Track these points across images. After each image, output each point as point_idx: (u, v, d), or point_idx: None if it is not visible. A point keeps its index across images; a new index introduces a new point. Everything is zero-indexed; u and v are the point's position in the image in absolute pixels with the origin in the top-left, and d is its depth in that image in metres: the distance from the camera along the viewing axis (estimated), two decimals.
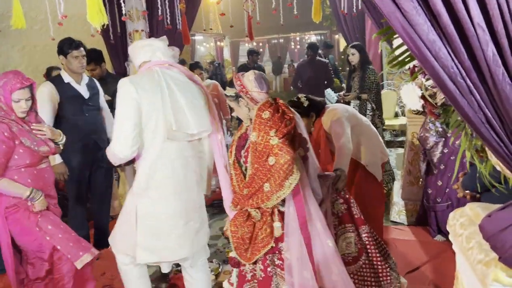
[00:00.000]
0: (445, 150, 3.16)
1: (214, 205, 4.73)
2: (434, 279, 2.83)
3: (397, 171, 4.86)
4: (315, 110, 2.83)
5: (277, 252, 2.05)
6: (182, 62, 5.81)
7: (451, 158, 3.15)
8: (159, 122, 2.02)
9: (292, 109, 2.10)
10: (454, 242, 1.43)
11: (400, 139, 6.71)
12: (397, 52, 1.21)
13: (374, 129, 3.13)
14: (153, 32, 4.34)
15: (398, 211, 3.84)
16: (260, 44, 22.20)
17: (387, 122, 5.96)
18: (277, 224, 1.98)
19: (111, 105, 3.43)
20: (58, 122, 3.17)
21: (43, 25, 5.44)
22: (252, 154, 1.97)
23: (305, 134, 2.17)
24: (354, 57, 4.38)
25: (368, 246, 2.37)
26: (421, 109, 2.94)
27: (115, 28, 3.87)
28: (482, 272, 1.14)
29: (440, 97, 1.39)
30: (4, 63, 4.83)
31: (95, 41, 4.21)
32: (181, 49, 4.53)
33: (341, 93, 4.69)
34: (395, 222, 3.83)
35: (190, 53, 11.34)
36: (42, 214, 2.38)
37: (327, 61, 6.24)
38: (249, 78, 2.02)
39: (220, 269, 3.21)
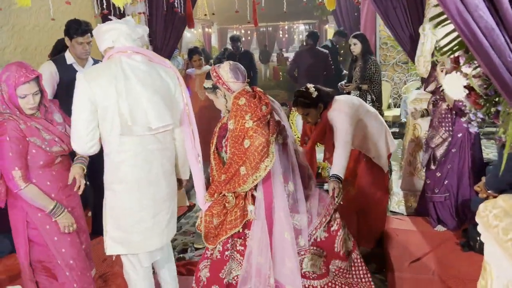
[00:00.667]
0: (452, 149, 3.18)
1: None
2: (437, 269, 2.85)
3: (392, 161, 4.89)
4: (323, 101, 2.78)
5: (242, 237, 2.07)
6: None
7: (452, 150, 3.18)
8: (115, 116, 1.97)
9: (269, 97, 2.13)
10: (487, 233, 1.43)
11: (393, 130, 6.77)
12: (444, 41, 1.18)
13: (381, 119, 3.13)
14: (153, 15, 4.22)
15: (397, 201, 3.88)
16: (248, 32, 22.04)
17: None
18: (250, 207, 2.00)
19: None
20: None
21: (33, 4, 5.24)
22: (229, 140, 2.00)
23: (285, 122, 2.19)
24: (356, 47, 4.35)
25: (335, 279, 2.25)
26: (424, 111, 3.17)
27: (115, 10, 3.74)
28: None
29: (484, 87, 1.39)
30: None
31: (96, 22, 4.07)
32: (180, 34, 4.43)
33: (342, 83, 4.67)
34: (394, 212, 3.86)
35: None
36: (59, 234, 2.18)
37: (326, 51, 6.19)
38: (224, 69, 2.06)
39: None
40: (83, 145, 2.02)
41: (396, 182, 4.11)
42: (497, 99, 1.24)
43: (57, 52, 3.73)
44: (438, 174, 3.27)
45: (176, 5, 3.66)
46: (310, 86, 2.77)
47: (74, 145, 2.07)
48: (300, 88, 2.83)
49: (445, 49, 1.18)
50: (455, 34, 1.14)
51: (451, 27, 1.15)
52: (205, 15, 14.26)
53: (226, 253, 2.08)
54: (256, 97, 2.00)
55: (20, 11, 4.98)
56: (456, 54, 1.27)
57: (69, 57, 3.16)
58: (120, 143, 2.00)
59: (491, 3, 1.04)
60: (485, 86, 1.25)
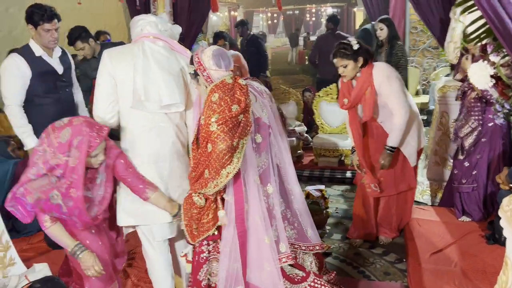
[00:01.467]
0: (482, 139, 3.09)
1: None
2: (460, 261, 2.79)
3: None
4: (363, 55, 2.73)
5: (218, 240, 1.99)
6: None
7: (482, 140, 3.08)
8: (130, 91, 2.08)
9: (256, 89, 2.07)
10: (510, 228, 1.38)
11: (421, 117, 6.59)
12: (471, 28, 1.13)
13: (417, 110, 3.07)
14: None
15: (421, 190, 3.80)
16: (275, 15, 21.78)
17: None
18: (221, 213, 1.92)
19: None
20: (26, 102, 2.81)
21: None
22: (200, 137, 1.90)
23: (268, 119, 2.03)
24: (382, 32, 4.22)
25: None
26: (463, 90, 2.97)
27: None
28: None
29: None
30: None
31: (121, 7, 4.10)
32: (205, 17, 4.41)
33: None
34: (418, 202, 3.79)
35: (205, 22, 11.12)
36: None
37: (347, 35, 6.03)
38: (207, 54, 1.89)
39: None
40: (103, 115, 2.13)
41: (421, 171, 4.02)
42: None
43: (72, 42, 3.60)
44: (467, 164, 3.18)
45: None
46: (352, 38, 2.75)
47: (95, 113, 2.15)
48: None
49: (471, 36, 1.13)
50: (482, 21, 1.08)
51: (479, 13, 1.10)
52: None
53: (202, 255, 2.01)
54: (230, 93, 1.83)
55: None
56: (484, 42, 1.21)
57: (36, 48, 2.81)
58: (135, 117, 2.11)
59: None
60: None
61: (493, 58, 1.19)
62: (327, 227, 3.48)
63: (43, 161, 1.83)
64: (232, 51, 4.90)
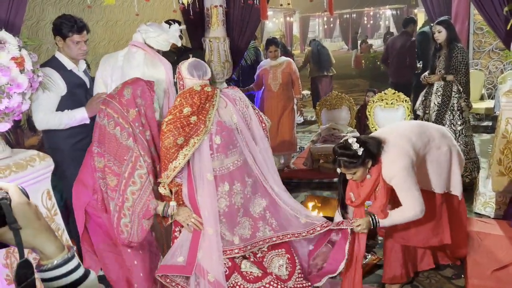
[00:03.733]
0: None
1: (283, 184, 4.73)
2: None
3: (481, 158, 4.49)
4: (371, 156, 2.31)
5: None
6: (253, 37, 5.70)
7: None
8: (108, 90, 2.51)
9: (225, 99, 2.18)
10: None
11: (485, 123, 6.20)
12: None
13: (447, 133, 2.67)
14: (230, 7, 4.30)
15: (483, 202, 3.56)
16: (331, 19, 21.50)
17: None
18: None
19: None
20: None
21: (124, 0, 5.65)
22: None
23: (238, 124, 2.18)
24: (441, 35, 4.01)
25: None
26: None
27: (195, 3, 3.88)
28: None
29: None
30: (89, 38, 5.10)
31: (174, 16, 4.28)
32: (256, 25, 4.47)
33: (425, 74, 4.35)
34: (479, 214, 3.55)
35: (259, 29, 11.25)
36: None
37: (413, 39, 5.91)
38: (185, 65, 2.17)
39: None
40: None
41: (483, 181, 3.77)
42: None
43: None
44: None
45: None
46: (353, 140, 2.28)
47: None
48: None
49: None
50: None
51: None
52: (288, 4, 14.22)
53: (175, 240, 2.21)
54: (191, 97, 2.05)
55: (113, 7, 5.40)
56: None
57: (66, 62, 2.71)
58: None
59: None
60: None
61: None
62: (379, 238, 3.36)
63: (118, 125, 2.06)
64: (283, 58, 4.92)
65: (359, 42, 16.97)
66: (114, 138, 2.06)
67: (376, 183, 2.36)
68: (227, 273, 2.10)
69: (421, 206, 2.30)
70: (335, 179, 4.50)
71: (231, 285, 2.11)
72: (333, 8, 3.57)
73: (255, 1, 3.91)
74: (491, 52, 6.40)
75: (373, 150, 2.30)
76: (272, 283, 2.13)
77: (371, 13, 22.08)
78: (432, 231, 2.60)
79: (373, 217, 2.36)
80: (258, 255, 2.24)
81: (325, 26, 23.99)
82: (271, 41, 4.87)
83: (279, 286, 2.13)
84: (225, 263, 2.11)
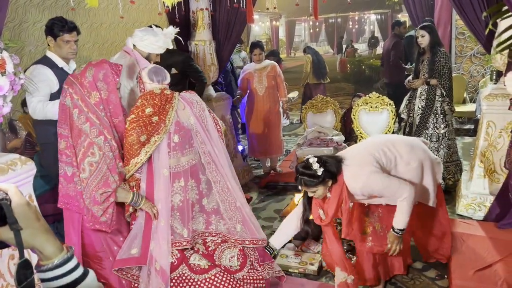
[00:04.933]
0: None
1: (269, 187, 4.74)
2: (508, 279, 2.63)
3: (464, 161, 4.57)
4: (331, 175, 2.38)
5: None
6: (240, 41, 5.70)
7: None
8: None
9: (183, 102, 2.33)
10: None
11: (467, 127, 6.32)
12: (505, 35, 1.06)
13: (421, 146, 2.65)
14: (215, 10, 4.31)
15: (466, 204, 3.62)
16: (317, 23, 21.68)
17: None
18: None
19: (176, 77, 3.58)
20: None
21: (109, 3, 5.60)
22: None
23: (195, 125, 2.34)
24: (424, 39, 4.08)
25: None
26: None
27: (180, 6, 3.88)
28: None
29: None
30: None
31: (159, 19, 4.26)
32: (242, 28, 4.48)
33: (409, 78, 4.41)
34: (462, 216, 3.61)
35: (246, 32, 11.28)
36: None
37: (401, 40, 6.13)
38: (145, 71, 2.34)
39: (276, 252, 3.20)
40: None
41: (465, 183, 3.84)
42: None
43: None
44: None
45: (235, 0, 3.70)
46: (314, 160, 2.36)
47: None
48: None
49: (505, 44, 1.06)
50: None
51: None
52: (274, 8, 14.30)
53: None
54: (152, 99, 2.21)
55: (97, 10, 5.34)
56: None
57: (57, 60, 2.82)
58: None
59: None
60: None
61: None
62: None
63: (77, 107, 2.11)
64: (267, 61, 4.92)
65: (344, 46, 17.17)
66: (72, 119, 2.13)
67: (340, 200, 2.41)
68: (175, 263, 2.25)
69: (407, 185, 2.38)
70: None
71: (178, 275, 2.26)
72: (318, 12, 3.59)
73: (241, 5, 3.92)
74: (473, 56, 6.53)
75: (332, 170, 2.38)
76: (218, 275, 2.29)
77: (356, 18, 22.35)
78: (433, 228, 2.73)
79: (392, 229, 2.44)
80: (210, 248, 2.37)
81: (311, 30, 24.19)
82: (256, 45, 4.85)
83: (224, 278, 2.29)
84: (174, 254, 2.26)
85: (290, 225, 2.75)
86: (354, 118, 5.02)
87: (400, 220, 2.41)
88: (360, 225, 2.66)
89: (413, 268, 2.95)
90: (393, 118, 4.71)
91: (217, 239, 2.38)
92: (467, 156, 4.84)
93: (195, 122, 2.34)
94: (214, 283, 2.27)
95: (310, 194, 2.48)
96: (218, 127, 2.46)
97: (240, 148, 5.28)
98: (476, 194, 3.57)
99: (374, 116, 4.92)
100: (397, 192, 2.37)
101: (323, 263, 3.02)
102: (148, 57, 2.95)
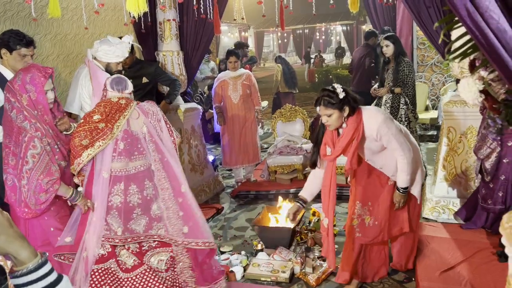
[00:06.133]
0: (504, 160, 2.98)
1: (240, 196, 4.73)
2: (471, 280, 2.73)
3: (428, 166, 4.73)
4: (349, 104, 2.47)
5: None
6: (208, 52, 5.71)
7: (504, 161, 2.97)
8: None
9: (138, 111, 2.46)
10: (509, 246, 1.35)
11: (430, 133, 6.55)
12: (457, 44, 1.13)
13: (415, 142, 2.80)
14: (183, 21, 4.31)
15: (430, 207, 3.74)
16: (285, 34, 22.00)
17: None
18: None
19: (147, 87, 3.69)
20: None
21: (73, 14, 5.50)
22: None
23: (148, 133, 2.46)
24: (388, 49, 4.23)
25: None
26: (480, 104, 2.62)
27: (146, 17, 3.86)
28: None
29: (503, 92, 1.30)
30: (37, 52, 4.90)
31: (126, 30, 4.22)
32: (210, 39, 4.49)
33: (375, 86, 4.54)
34: (426, 219, 3.72)
35: (215, 43, 11.32)
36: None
37: (372, 49, 6.29)
38: (109, 80, 2.50)
39: (248, 261, 3.20)
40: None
41: (429, 187, 3.96)
42: None
43: None
44: (491, 185, 3.08)
45: (202, 12, 3.71)
46: (338, 86, 2.50)
47: None
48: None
49: (457, 52, 1.13)
50: (468, 36, 1.08)
51: (464, 29, 1.10)
52: (242, 18, 14.42)
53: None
54: (104, 106, 2.38)
55: (62, 20, 5.23)
56: (472, 57, 1.21)
57: (7, 73, 2.77)
58: None
59: (504, 3, 0.99)
60: (504, 90, 1.18)
61: (482, 73, 1.19)
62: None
63: (15, 108, 2.29)
64: (242, 70, 4.92)
65: (312, 56, 17.48)
66: (11, 120, 2.31)
67: (354, 135, 2.50)
68: (105, 256, 2.41)
69: (408, 145, 2.56)
70: (292, 190, 4.62)
71: (106, 267, 2.41)
72: (284, 24, 3.66)
73: (208, 16, 3.94)
74: (434, 65, 6.79)
75: (353, 98, 2.51)
76: (142, 274, 2.42)
77: (323, 29, 22.84)
78: (392, 222, 2.75)
79: (397, 189, 2.64)
80: (143, 248, 2.48)
81: (280, 41, 24.51)
82: (232, 52, 4.78)
83: (149, 275, 2.42)
84: (106, 248, 2.42)
85: (315, 175, 2.82)
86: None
87: (403, 179, 2.59)
88: (350, 215, 2.82)
89: None
90: None
91: (153, 244, 2.49)
92: (431, 161, 5.00)
93: (147, 131, 2.46)
94: (135, 283, 2.41)
95: (324, 120, 2.50)
96: (173, 138, 2.58)
97: (211, 158, 5.25)
98: (440, 197, 3.69)
99: None
100: (400, 147, 2.53)
101: (295, 270, 3.04)
102: (108, 66, 3.12)
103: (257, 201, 4.59)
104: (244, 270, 3.08)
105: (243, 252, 3.31)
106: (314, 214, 3.43)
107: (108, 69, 3.11)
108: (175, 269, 2.52)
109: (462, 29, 1.13)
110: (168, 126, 2.57)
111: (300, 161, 4.90)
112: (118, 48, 3.06)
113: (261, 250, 3.33)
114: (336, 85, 2.51)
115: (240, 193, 4.79)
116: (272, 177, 5.05)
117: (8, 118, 2.35)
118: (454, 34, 1.24)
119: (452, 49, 1.11)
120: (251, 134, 4.90)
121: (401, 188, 2.62)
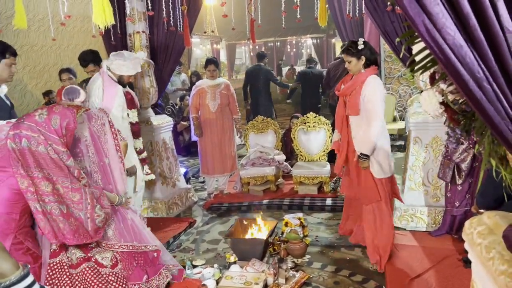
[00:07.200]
0: (475, 164, 3.16)
1: (213, 209, 4.69)
2: (438, 286, 2.80)
3: (396, 175, 4.83)
4: (366, 56, 2.97)
5: None
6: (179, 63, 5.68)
7: (475, 165, 3.15)
8: None
9: (84, 117, 2.62)
10: (471, 251, 1.40)
11: (398, 143, 6.72)
12: (418, 58, 1.18)
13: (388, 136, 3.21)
14: (153, 33, 4.29)
15: (399, 216, 3.82)
16: (257, 47, 22.22)
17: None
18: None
19: None
20: None
21: (40, 25, 5.39)
22: None
23: (90, 137, 2.61)
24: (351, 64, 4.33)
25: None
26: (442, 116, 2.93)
27: (116, 29, 3.82)
28: (506, 284, 1.11)
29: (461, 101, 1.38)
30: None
31: (95, 41, 4.16)
32: (181, 51, 4.49)
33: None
34: (396, 227, 3.79)
35: (187, 55, 11.31)
36: None
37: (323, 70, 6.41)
38: (64, 89, 2.77)
39: (221, 274, 3.17)
40: None
41: None
42: (475, 115, 1.22)
43: (87, 63, 3.79)
44: (459, 188, 3.25)
45: (172, 24, 3.71)
46: (361, 39, 3.01)
47: None
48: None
49: (417, 66, 1.18)
50: (427, 51, 1.13)
51: (423, 44, 1.15)
52: (212, 31, 14.45)
53: None
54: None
55: (28, 31, 5.12)
56: (432, 70, 1.27)
57: None
58: None
59: (459, 21, 1.04)
60: (462, 102, 1.23)
61: (442, 85, 1.25)
62: (307, 256, 3.45)
63: (55, 151, 2.27)
64: (221, 79, 4.91)
65: (284, 69, 17.69)
66: (51, 160, 2.25)
67: (356, 84, 3.04)
68: (57, 250, 2.49)
69: (381, 119, 2.99)
70: (264, 201, 4.63)
71: (58, 261, 2.49)
72: (255, 36, 3.71)
73: (178, 28, 3.94)
74: (400, 78, 7.02)
75: (369, 54, 2.99)
76: (87, 268, 2.50)
77: (294, 42, 23.20)
78: (363, 191, 3.25)
79: (358, 157, 3.09)
80: (90, 245, 2.56)
81: (251, 54, 24.71)
82: (211, 61, 4.75)
83: (92, 272, 2.50)
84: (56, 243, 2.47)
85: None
86: (294, 137, 5.17)
87: (365, 146, 3.01)
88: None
89: (353, 281, 3.05)
90: (330, 136, 4.90)
91: (103, 243, 2.62)
92: (400, 170, 5.12)
93: (88, 135, 2.61)
94: (79, 278, 2.50)
95: (346, 65, 3.10)
96: (116, 141, 2.76)
97: (183, 170, 5.20)
98: (408, 206, 3.78)
99: (312, 134, 5.11)
100: (374, 114, 2.95)
101: (268, 282, 3.03)
102: (121, 78, 3.39)
103: (230, 213, 4.57)
104: (217, 283, 3.05)
105: (215, 265, 3.27)
106: (286, 224, 3.44)
107: (121, 81, 3.40)
108: (128, 268, 2.66)
109: (422, 44, 1.18)
110: (112, 129, 2.74)
111: (273, 172, 4.93)
112: (131, 63, 3.32)
113: (234, 263, 3.31)
114: (361, 39, 3.02)
115: (213, 206, 4.75)
116: (245, 189, 5.05)
117: (35, 154, 2.24)
118: (415, 48, 1.30)
119: (414, 62, 1.16)
120: (229, 143, 4.90)
121: (362, 154, 3.04)
